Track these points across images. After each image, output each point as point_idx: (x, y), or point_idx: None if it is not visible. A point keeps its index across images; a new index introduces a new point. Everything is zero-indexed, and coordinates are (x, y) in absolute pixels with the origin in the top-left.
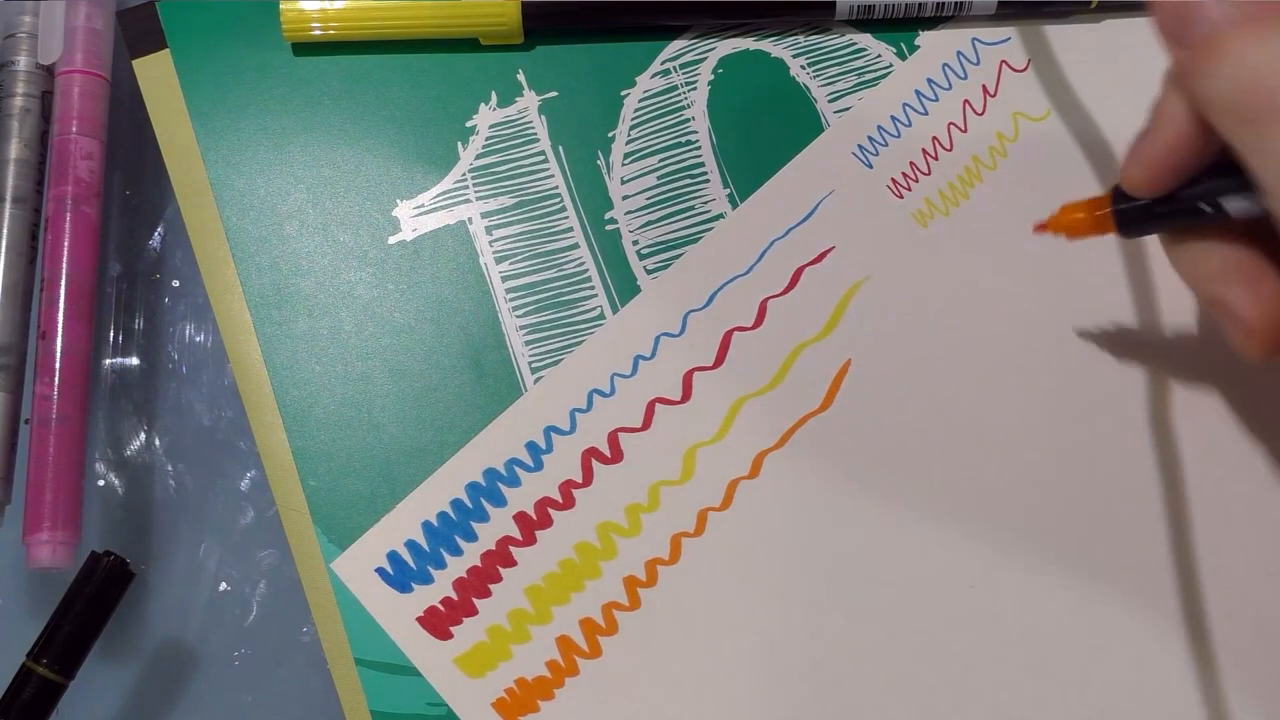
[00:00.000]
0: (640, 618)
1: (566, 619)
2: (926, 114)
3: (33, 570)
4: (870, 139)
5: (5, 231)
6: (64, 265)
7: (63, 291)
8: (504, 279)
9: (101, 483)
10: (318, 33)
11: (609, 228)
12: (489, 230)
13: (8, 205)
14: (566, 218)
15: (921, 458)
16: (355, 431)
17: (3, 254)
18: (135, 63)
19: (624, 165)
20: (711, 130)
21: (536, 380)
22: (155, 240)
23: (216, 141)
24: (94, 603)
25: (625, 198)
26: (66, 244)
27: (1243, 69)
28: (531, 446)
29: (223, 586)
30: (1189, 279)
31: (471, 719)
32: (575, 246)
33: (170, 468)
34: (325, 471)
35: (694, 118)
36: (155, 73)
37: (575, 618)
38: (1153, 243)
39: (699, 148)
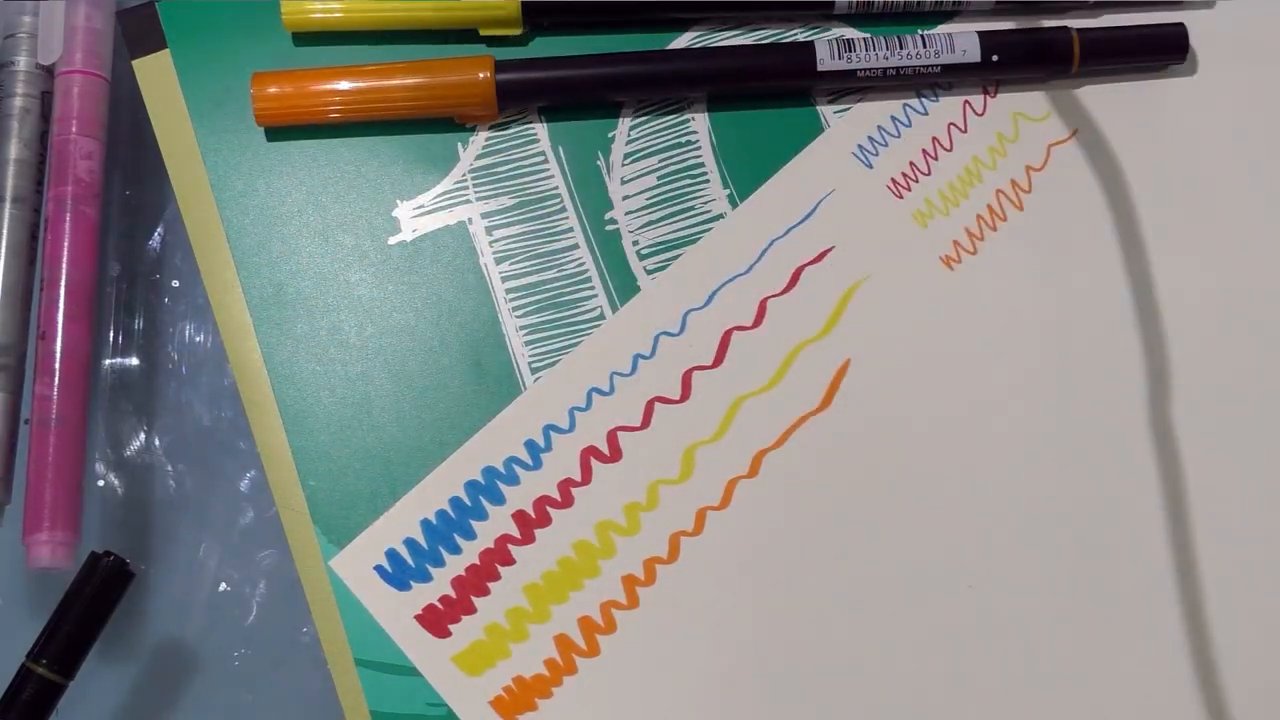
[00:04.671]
0: (639, 617)
1: (565, 618)
2: (927, 114)
3: (33, 570)
4: (870, 139)
5: (5, 231)
6: (64, 265)
7: (63, 291)
8: (504, 279)
9: (101, 483)
10: (318, 16)
11: (609, 228)
12: (489, 231)
13: (8, 205)
14: (566, 218)
15: (921, 457)
16: (355, 431)
17: (3, 254)
18: (135, 63)
19: (624, 165)
20: (711, 130)
21: (536, 380)
22: (155, 240)
23: (216, 141)
24: (94, 603)
25: (625, 198)
26: (66, 244)
27: None
28: (531, 445)
29: (223, 586)
30: None
31: (470, 717)
32: (575, 247)
33: (170, 468)
34: (325, 471)
35: (694, 118)
36: (155, 73)
37: (574, 616)
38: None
39: (699, 148)
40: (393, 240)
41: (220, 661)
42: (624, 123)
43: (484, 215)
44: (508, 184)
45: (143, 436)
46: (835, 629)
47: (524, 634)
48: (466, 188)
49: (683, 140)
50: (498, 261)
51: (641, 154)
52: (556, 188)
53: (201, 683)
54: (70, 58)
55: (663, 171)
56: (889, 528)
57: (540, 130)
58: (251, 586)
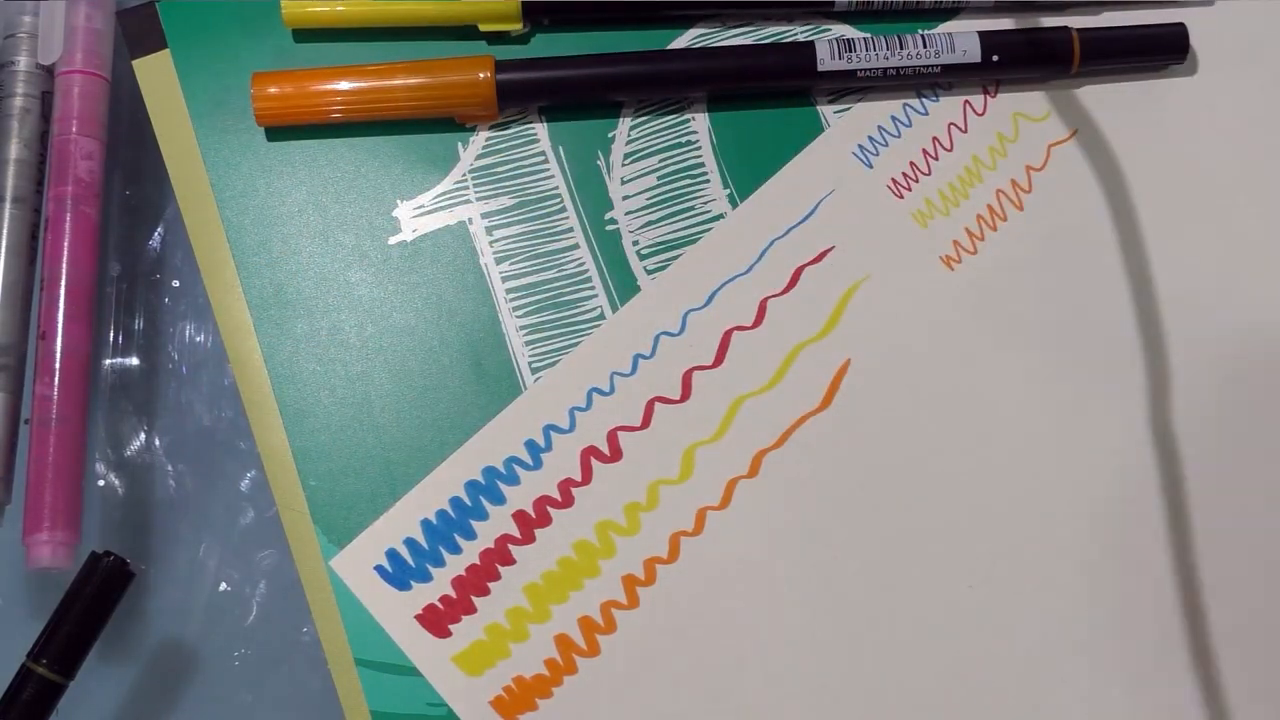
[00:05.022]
0: (639, 616)
1: (565, 617)
2: (927, 114)
3: (33, 570)
4: (870, 139)
5: (5, 231)
6: (64, 265)
7: (63, 291)
8: (504, 279)
9: (101, 483)
10: (318, 12)
11: (609, 228)
12: (489, 230)
13: (8, 205)
14: (566, 218)
15: (921, 457)
16: (355, 431)
17: (3, 254)
18: (135, 63)
19: (624, 165)
20: (711, 130)
21: (536, 380)
22: (155, 240)
23: (216, 141)
24: (94, 603)
25: (625, 198)
26: (66, 244)
27: None
28: (531, 445)
29: (223, 586)
30: None
31: (470, 717)
32: (575, 247)
33: (170, 468)
34: (325, 471)
35: (694, 118)
36: (155, 73)
37: (574, 616)
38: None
39: (699, 148)
40: (393, 240)
41: (220, 661)
42: (624, 123)
43: (484, 215)
44: (508, 184)
45: (143, 436)
46: (835, 629)
47: (524, 634)
48: (466, 188)
49: (683, 140)
50: (498, 261)
51: (641, 154)
52: (556, 188)
53: (201, 683)
54: (70, 58)
55: (663, 171)
56: (889, 528)
57: (540, 130)
58: (251, 586)
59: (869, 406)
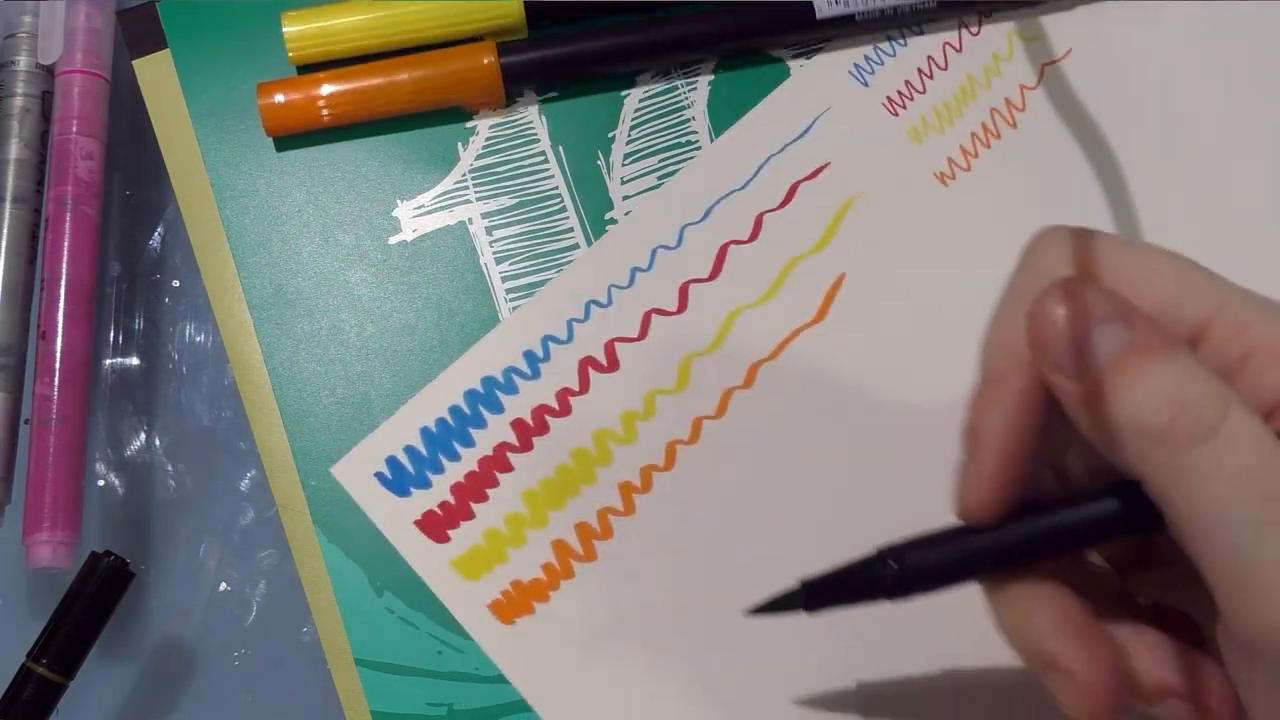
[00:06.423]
0: (634, 523)
1: (562, 524)
2: (923, 33)
3: (33, 570)
4: (866, 58)
5: (5, 231)
6: (64, 265)
7: (63, 291)
8: (504, 279)
9: (101, 483)
10: (324, 49)
11: (609, 228)
12: (489, 230)
13: (8, 205)
14: (567, 218)
15: (913, 369)
16: (355, 432)
17: (3, 254)
18: (135, 63)
19: (624, 165)
20: (711, 130)
21: (534, 293)
22: (155, 240)
23: (216, 141)
24: (94, 603)
25: (625, 198)
26: (66, 244)
27: (1156, 390)
28: (529, 355)
29: (223, 586)
30: (1012, 635)
31: (467, 620)
32: (575, 247)
33: (170, 468)
34: (325, 471)
35: (694, 118)
36: (155, 73)
37: (571, 522)
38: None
39: (699, 148)
40: (393, 240)
41: (220, 661)
42: (624, 124)
43: (484, 215)
44: (508, 184)
45: (143, 436)
46: (829, 537)
47: (522, 540)
48: (467, 187)
49: (683, 140)
50: (498, 261)
51: (641, 154)
52: (556, 188)
53: (201, 683)
54: (70, 58)
55: (663, 171)
56: (881, 438)
57: (540, 130)
58: (251, 586)
59: (862, 320)
